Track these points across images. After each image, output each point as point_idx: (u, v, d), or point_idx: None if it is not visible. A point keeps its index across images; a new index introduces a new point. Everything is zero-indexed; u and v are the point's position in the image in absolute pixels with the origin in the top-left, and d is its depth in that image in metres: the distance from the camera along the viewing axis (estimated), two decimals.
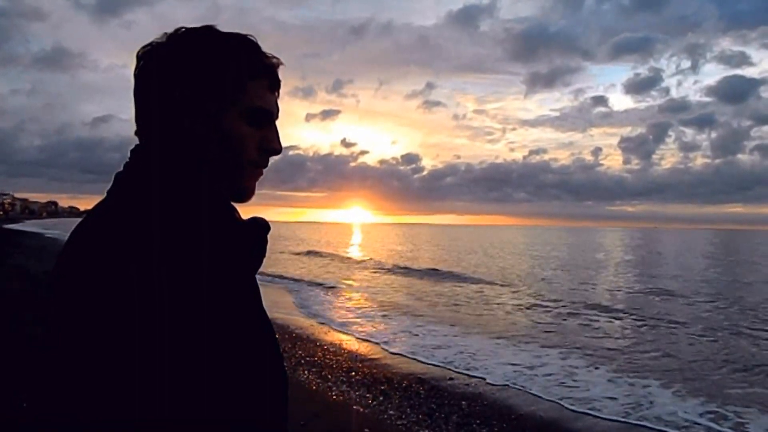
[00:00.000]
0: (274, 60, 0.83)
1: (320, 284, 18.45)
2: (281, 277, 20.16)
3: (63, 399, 0.62)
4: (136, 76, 0.79)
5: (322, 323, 11.19)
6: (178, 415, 0.63)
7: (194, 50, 0.77)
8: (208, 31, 0.80)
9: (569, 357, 8.89)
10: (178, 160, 0.77)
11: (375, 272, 24.65)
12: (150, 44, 0.79)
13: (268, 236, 0.84)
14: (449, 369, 7.82)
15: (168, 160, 0.77)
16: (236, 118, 0.78)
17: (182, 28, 0.80)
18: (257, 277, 0.85)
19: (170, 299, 0.65)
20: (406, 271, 25.05)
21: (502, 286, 19.38)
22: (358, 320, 11.78)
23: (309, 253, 35.63)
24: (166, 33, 0.80)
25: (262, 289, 0.85)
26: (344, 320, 11.67)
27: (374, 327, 11.02)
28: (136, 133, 0.81)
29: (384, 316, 12.41)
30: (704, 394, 7.08)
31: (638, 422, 5.99)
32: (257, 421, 0.74)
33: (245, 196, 0.83)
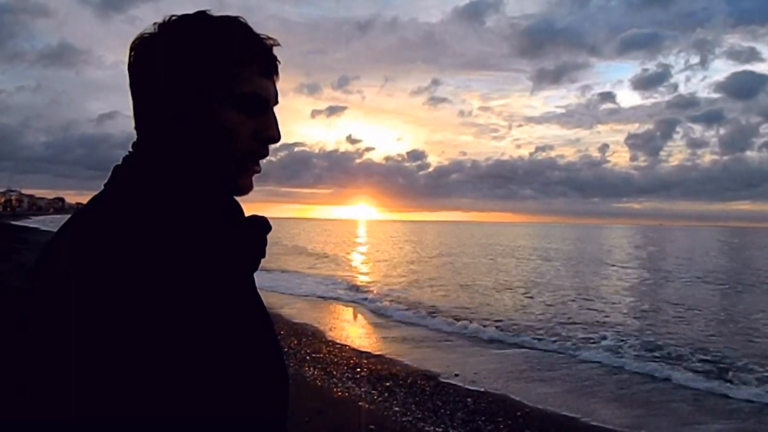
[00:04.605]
0: (268, 42, 0.79)
1: None
2: None
3: (55, 397, 0.60)
4: (128, 69, 0.77)
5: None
6: (173, 413, 0.62)
7: (176, 40, 0.74)
8: (195, 17, 0.77)
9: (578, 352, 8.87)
10: (162, 155, 0.76)
11: None
12: (140, 36, 0.77)
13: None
14: (454, 365, 7.83)
15: (154, 155, 0.76)
16: (225, 107, 0.75)
17: (173, 16, 0.77)
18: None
19: (158, 296, 0.64)
20: None
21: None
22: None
23: None
24: (156, 23, 0.77)
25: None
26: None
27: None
28: (135, 127, 0.80)
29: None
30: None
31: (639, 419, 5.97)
32: (253, 419, 0.73)
33: (241, 189, 0.80)
